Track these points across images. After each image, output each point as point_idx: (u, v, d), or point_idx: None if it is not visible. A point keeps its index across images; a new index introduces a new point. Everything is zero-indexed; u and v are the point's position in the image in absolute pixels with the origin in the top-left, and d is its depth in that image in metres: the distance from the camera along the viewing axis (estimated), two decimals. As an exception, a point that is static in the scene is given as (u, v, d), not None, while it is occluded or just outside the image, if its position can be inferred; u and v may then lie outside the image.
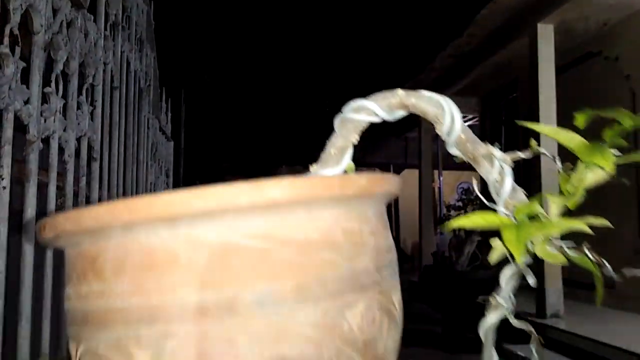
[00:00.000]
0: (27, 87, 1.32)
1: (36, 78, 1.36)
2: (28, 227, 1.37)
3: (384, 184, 0.53)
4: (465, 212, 6.81)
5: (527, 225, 0.48)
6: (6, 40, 1.17)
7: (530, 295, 4.30)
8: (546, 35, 4.68)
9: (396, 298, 0.56)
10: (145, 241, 0.46)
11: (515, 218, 0.51)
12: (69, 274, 0.52)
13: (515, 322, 0.51)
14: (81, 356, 0.50)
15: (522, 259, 0.46)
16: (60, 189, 1.69)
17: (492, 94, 8.10)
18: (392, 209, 12.30)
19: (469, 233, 6.73)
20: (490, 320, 0.51)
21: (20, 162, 1.42)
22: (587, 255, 0.51)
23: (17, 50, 1.21)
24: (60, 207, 1.66)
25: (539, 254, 0.50)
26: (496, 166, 0.53)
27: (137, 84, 2.70)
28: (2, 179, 1.22)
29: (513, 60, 5.98)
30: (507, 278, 0.52)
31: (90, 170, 1.95)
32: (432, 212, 9.20)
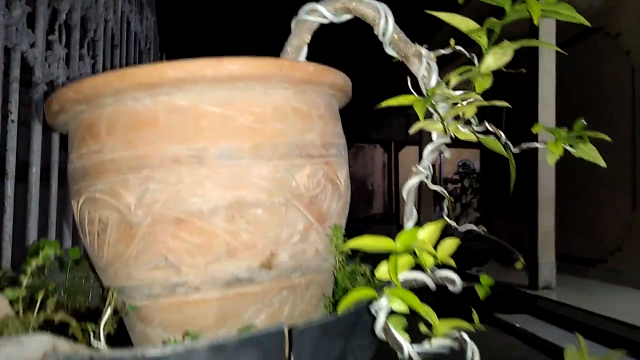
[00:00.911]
0: (33, 32, 1.43)
1: (41, 24, 1.47)
2: (33, 178, 1.49)
3: (329, 74, 0.64)
4: (462, 185, 6.91)
5: (428, 100, 0.59)
6: (14, -17, 1.28)
7: (523, 269, 4.42)
8: (548, 10, 4.71)
9: (342, 175, 0.68)
10: (132, 107, 0.57)
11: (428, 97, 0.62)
12: (72, 143, 0.64)
13: (431, 186, 0.62)
14: (81, 206, 0.62)
15: (424, 122, 0.58)
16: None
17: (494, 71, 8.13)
18: (393, 187, 12.42)
19: (465, 207, 6.86)
20: (412, 182, 0.62)
21: (27, 106, 1.53)
22: (495, 137, 0.62)
23: (24, -6, 1.32)
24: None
25: (453, 131, 0.61)
26: (424, 63, 0.64)
27: (138, 46, 2.80)
28: (11, 113, 1.34)
29: (514, 35, 6.03)
30: (428, 152, 0.63)
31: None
32: (434, 190, 9.26)
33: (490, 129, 0.60)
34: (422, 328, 0.51)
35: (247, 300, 0.60)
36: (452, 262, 0.57)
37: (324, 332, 0.53)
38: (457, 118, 0.63)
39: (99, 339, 0.49)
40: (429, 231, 0.53)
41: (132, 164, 0.57)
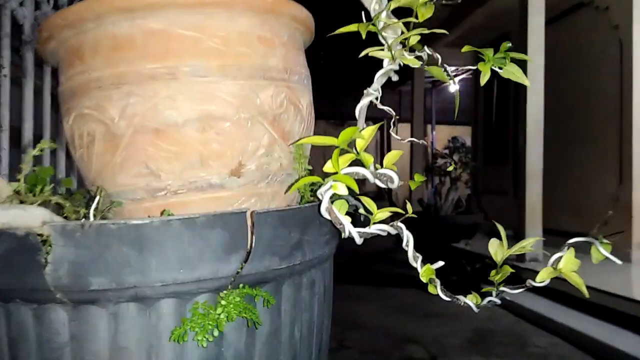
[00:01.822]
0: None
1: (31, -18, 1.53)
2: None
3: (290, 6, 0.72)
4: (452, 159, 7.00)
5: (369, 24, 0.67)
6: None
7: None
8: (537, -15, 4.74)
9: (304, 101, 0.76)
10: (111, 30, 0.65)
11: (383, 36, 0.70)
12: (61, 67, 0.72)
13: (380, 106, 0.71)
14: (72, 122, 0.70)
15: (372, 49, 0.66)
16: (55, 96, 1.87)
17: (484, 46, 8.17)
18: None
19: (454, 181, 6.96)
20: (362, 103, 0.71)
21: (19, 67, 1.60)
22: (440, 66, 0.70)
23: (14, -47, 1.38)
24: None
25: (399, 57, 0.70)
26: (375, -3, 0.72)
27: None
28: (3, 68, 1.41)
29: (505, 11, 6.06)
30: (378, 75, 0.71)
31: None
32: (424, 165, 9.38)
33: (430, 53, 0.68)
34: (362, 211, 0.60)
35: (219, 205, 0.68)
36: (394, 169, 0.66)
37: (282, 221, 0.62)
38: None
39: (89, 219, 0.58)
40: (366, 132, 0.62)
41: (114, 81, 0.65)
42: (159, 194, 0.67)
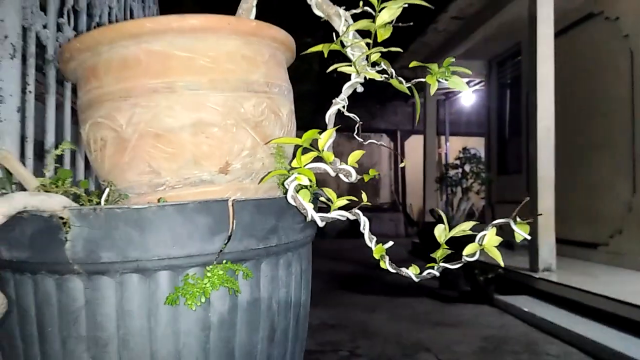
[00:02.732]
0: (45, 14, 1.65)
1: (52, 8, 1.69)
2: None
3: (271, 29, 0.85)
4: (463, 170, 7.07)
5: (332, 44, 0.79)
6: (30, -27, 1.50)
7: (525, 254, 4.52)
8: (545, -5, 4.82)
9: (284, 110, 0.89)
10: (122, 52, 0.79)
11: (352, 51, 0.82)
12: (80, 84, 0.86)
13: (346, 112, 0.83)
14: (88, 129, 0.84)
15: (339, 64, 0.78)
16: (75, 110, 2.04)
17: (497, 57, 8.24)
18: (399, 176, 12.60)
19: (466, 191, 7.02)
20: (331, 111, 0.83)
21: (41, 83, 1.76)
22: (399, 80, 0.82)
23: (39, -18, 1.54)
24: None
25: (362, 71, 0.82)
26: (342, 21, 0.85)
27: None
28: (28, 85, 1.57)
29: (516, 22, 6.15)
30: (346, 87, 0.83)
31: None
32: (438, 175, 9.42)
33: (388, 70, 0.80)
34: (322, 199, 0.72)
35: (210, 197, 0.81)
36: (356, 165, 0.78)
37: (258, 208, 0.74)
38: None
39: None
40: (326, 134, 0.74)
41: (122, 94, 0.79)
42: (159, 188, 0.80)
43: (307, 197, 0.71)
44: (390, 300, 3.92)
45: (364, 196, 0.76)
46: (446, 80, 0.78)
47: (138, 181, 0.81)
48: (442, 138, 12.61)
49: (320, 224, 0.72)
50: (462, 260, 0.72)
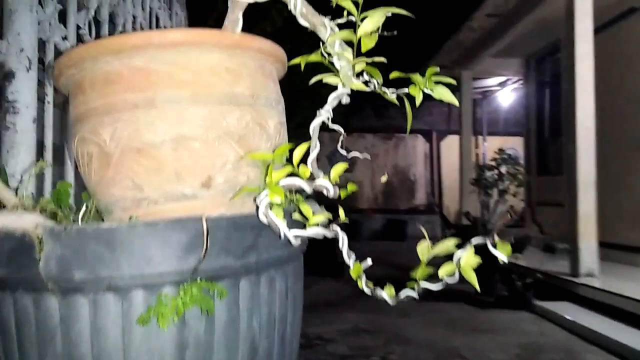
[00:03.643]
0: (65, 26, 1.69)
1: (72, 19, 1.73)
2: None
3: (255, 41, 0.84)
4: (499, 171, 6.88)
5: (315, 54, 0.77)
6: (46, -14, 1.54)
7: (567, 258, 4.34)
8: (583, -9, 4.64)
9: (271, 122, 0.87)
10: (105, 68, 0.79)
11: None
12: (70, 99, 0.86)
13: (332, 125, 0.80)
14: (77, 143, 0.85)
15: (323, 75, 0.76)
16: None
17: (535, 54, 8.00)
18: (435, 177, 12.40)
19: (502, 193, 6.84)
20: (315, 122, 0.80)
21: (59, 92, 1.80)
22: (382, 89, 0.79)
23: (56, -5, 1.58)
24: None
25: (349, 85, 0.79)
26: (328, 31, 0.82)
27: (170, 40, 3.08)
28: (47, 95, 1.61)
29: (554, 18, 5.95)
30: (332, 98, 0.81)
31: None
32: (473, 178, 9.21)
33: (371, 81, 0.77)
34: (296, 216, 0.70)
35: (193, 212, 0.80)
36: (337, 180, 0.75)
37: (234, 225, 0.73)
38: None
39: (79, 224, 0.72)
40: (299, 149, 0.72)
41: (105, 110, 0.79)
42: (143, 203, 0.80)
43: (280, 214, 0.69)
44: (425, 305, 3.84)
45: (341, 211, 0.73)
46: (431, 90, 0.75)
47: (122, 196, 0.81)
48: (480, 138, 12.33)
49: (294, 242, 0.70)
50: (442, 282, 0.69)
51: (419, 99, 0.75)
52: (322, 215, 0.70)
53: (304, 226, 0.73)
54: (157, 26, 2.85)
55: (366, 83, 0.80)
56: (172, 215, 0.79)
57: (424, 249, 0.70)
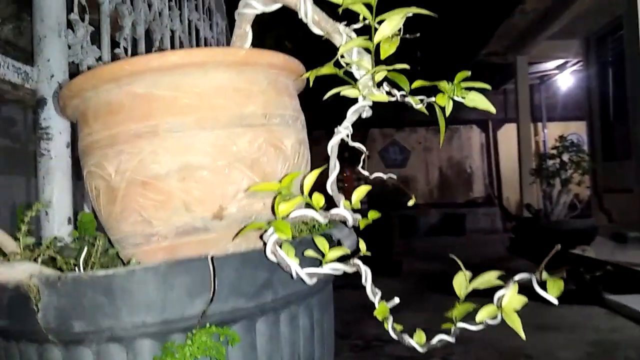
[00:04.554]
0: (98, 47, 1.69)
1: (105, 40, 1.73)
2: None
3: (265, 55, 0.77)
4: (561, 160, 6.51)
5: (329, 65, 0.68)
6: (76, 9, 1.53)
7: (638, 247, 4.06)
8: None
9: (288, 141, 0.80)
10: (106, 97, 0.74)
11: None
12: (78, 131, 0.82)
13: (351, 143, 0.72)
14: (86, 177, 0.81)
15: (342, 87, 0.67)
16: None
17: (595, 34, 7.52)
18: (493, 168, 11.96)
19: (565, 182, 6.46)
20: (334, 141, 0.72)
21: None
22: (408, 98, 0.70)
23: (86, 17, 1.58)
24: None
25: (365, 94, 0.71)
26: (344, 37, 0.74)
27: (210, 50, 3.08)
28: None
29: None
30: (352, 111, 0.72)
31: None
32: (535, 167, 8.80)
33: (391, 92, 0.68)
34: (309, 253, 0.62)
35: (206, 246, 0.74)
36: (358, 206, 0.67)
37: (244, 263, 0.66)
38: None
39: (80, 270, 0.67)
40: (310, 177, 0.64)
41: (109, 142, 0.74)
42: (153, 238, 0.75)
43: (291, 252, 0.61)
44: (486, 301, 3.69)
45: (362, 246, 0.64)
46: (463, 98, 0.65)
47: (132, 231, 0.76)
48: (539, 125, 11.77)
49: (309, 281, 0.62)
50: (483, 324, 0.59)
51: (448, 108, 0.66)
52: (340, 250, 0.62)
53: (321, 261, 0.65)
54: (197, 38, 2.84)
55: (389, 93, 0.71)
56: (184, 251, 0.74)
57: (461, 283, 0.60)
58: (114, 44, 1.83)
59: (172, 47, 2.43)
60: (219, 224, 0.74)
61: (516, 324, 0.57)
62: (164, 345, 0.62)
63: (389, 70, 0.69)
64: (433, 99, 0.67)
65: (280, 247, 0.62)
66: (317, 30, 0.76)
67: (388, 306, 0.61)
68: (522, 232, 6.89)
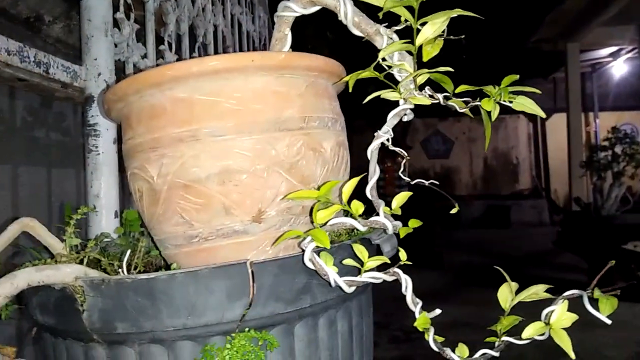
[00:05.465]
0: (144, 45, 1.72)
1: (150, 37, 1.76)
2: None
3: (303, 59, 0.76)
4: (614, 152, 6.23)
5: (369, 69, 0.67)
6: (122, 7, 1.57)
7: None
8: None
9: (327, 144, 0.79)
10: (149, 101, 0.76)
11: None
12: (122, 134, 0.84)
13: (391, 147, 0.70)
14: (129, 179, 0.82)
15: (384, 91, 0.66)
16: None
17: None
18: (541, 159, 11.59)
19: (618, 175, 6.19)
20: (373, 145, 0.71)
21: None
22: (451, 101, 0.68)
23: (132, 15, 1.61)
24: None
25: (407, 97, 0.69)
26: (385, 39, 0.72)
27: (252, 44, 3.09)
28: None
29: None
30: (392, 115, 0.71)
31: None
32: (583, 161, 8.47)
33: (434, 95, 0.66)
34: (348, 262, 0.61)
35: (245, 248, 0.75)
36: (398, 212, 0.65)
37: (283, 268, 0.66)
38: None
39: (123, 272, 0.69)
40: (349, 185, 0.63)
41: (151, 145, 0.75)
42: (194, 240, 0.76)
43: (330, 260, 0.61)
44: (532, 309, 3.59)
45: (402, 254, 0.63)
46: (510, 102, 0.62)
47: (174, 232, 0.77)
48: (591, 115, 11.31)
49: (347, 289, 0.62)
50: (530, 338, 0.57)
51: (494, 113, 0.63)
52: (379, 260, 0.61)
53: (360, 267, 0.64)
54: (240, 32, 2.86)
55: (431, 96, 0.69)
56: (223, 252, 0.75)
57: (506, 296, 0.58)
58: (159, 40, 1.86)
59: (215, 42, 2.45)
60: (258, 227, 0.74)
61: (565, 343, 0.55)
62: (204, 347, 0.63)
63: (431, 73, 0.67)
64: (478, 102, 0.65)
65: (319, 255, 0.62)
66: (357, 32, 0.75)
67: (429, 317, 0.59)
68: (571, 226, 6.65)
